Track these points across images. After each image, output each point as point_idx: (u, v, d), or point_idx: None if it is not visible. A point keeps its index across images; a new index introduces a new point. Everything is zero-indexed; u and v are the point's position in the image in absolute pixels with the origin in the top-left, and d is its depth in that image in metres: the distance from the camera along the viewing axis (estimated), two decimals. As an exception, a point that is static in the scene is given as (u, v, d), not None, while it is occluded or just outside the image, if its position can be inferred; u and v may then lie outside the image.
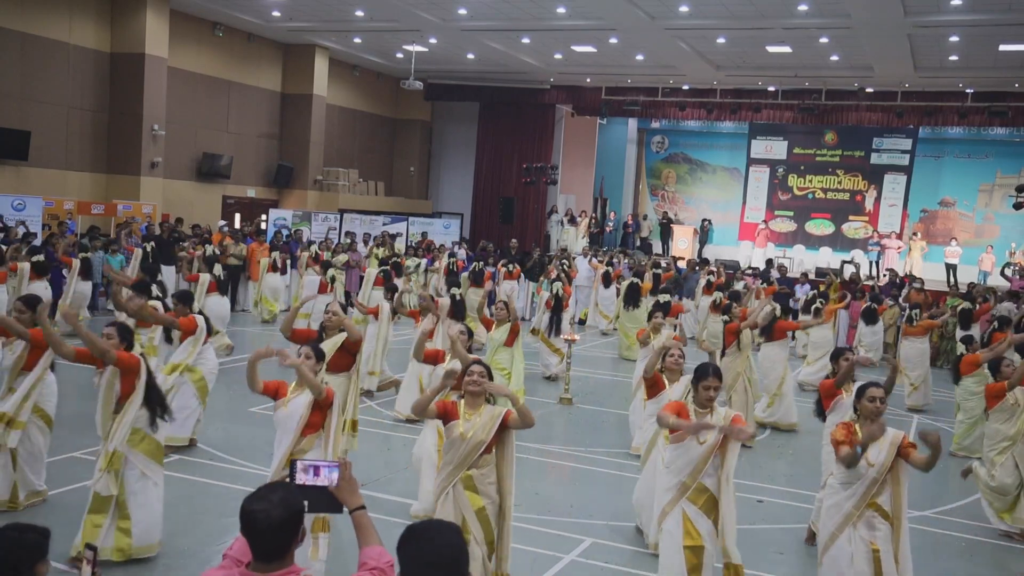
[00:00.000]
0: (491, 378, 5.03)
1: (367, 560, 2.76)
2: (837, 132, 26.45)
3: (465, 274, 16.15)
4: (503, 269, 16.97)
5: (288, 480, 2.92)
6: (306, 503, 2.75)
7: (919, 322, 12.54)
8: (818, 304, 13.69)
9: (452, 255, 18.40)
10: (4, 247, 12.69)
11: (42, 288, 11.59)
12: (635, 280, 15.08)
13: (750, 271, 19.60)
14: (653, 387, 6.72)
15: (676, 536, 5.10)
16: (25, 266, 11.80)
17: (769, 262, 20.97)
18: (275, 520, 2.56)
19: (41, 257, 12.26)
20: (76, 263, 13.20)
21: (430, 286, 18.57)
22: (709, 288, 16.23)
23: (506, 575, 4.95)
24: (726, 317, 10.71)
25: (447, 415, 4.95)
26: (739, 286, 17.50)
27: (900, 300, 17.09)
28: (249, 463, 7.89)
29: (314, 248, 17.14)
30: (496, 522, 4.91)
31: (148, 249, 14.59)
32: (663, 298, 11.84)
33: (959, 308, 14.09)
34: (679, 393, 6.30)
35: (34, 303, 6.52)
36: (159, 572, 5.64)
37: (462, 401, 5.00)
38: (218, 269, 13.31)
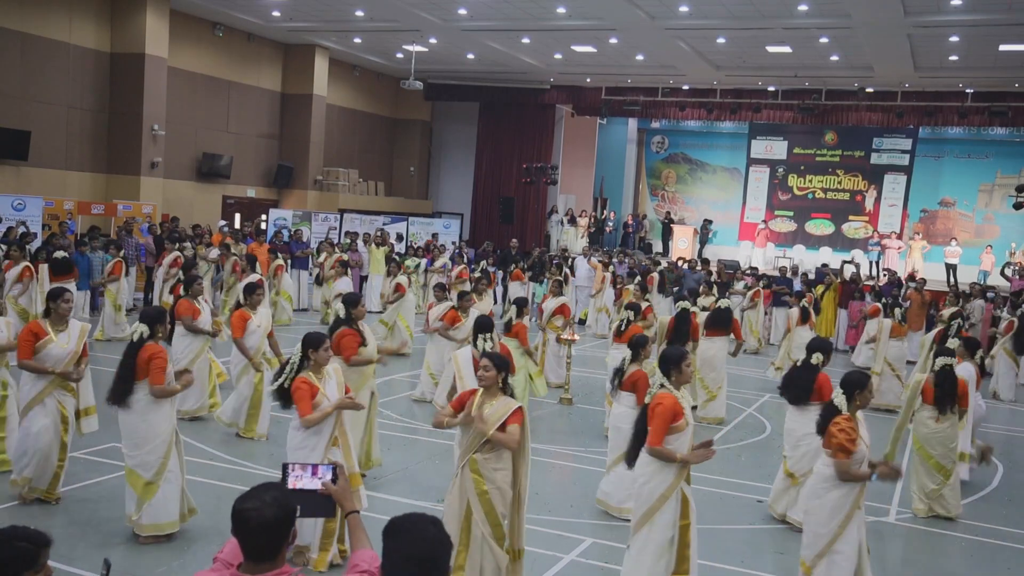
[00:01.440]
0: (500, 368, 5.16)
1: (359, 563, 2.77)
2: (837, 132, 26.45)
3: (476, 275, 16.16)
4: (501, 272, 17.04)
5: (281, 483, 2.90)
6: (299, 507, 2.74)
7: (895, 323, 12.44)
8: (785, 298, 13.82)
9: (458, 255, 18.38)
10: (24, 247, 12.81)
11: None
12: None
13: (750, 271, 19.61)
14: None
15: (675, 515, 5.25)
16: (42, 268, 11.80)
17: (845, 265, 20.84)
18: (267, 519, 2.55)
19: (63, 254, 12.26)
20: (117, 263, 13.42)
21: (430, 286, 18.58)
22: (710, 288, 16.17)
23: (521, 549, 5.14)
24: (695, 307, 10.86)
25: (464, 406, 5.18)
26: (739, 286, 17.53)
27: (900, 300, 17.07)
28: (249, 463, 7.90)
29: (334, 254, 16.94)
30: (505, 506, 5.06)
31: (182, 250, 14.58)
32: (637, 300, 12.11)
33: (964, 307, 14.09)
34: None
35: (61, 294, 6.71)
36: (155, 571, 5.64)
37: (481, 391, 5.18)
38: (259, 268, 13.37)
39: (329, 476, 2.90)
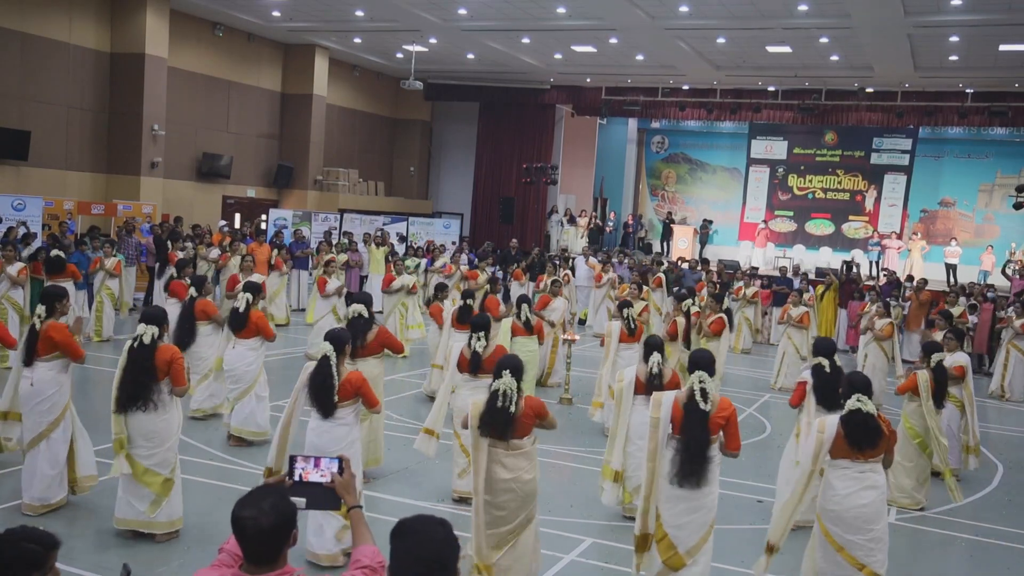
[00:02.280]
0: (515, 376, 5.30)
1: (360, 558, 2.77)
2: (837, 132, 26.45)
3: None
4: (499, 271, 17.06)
5: (287, 477, 2.90)
6: (304, 500, 2.75)
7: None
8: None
9: (455, 255, 18.36)
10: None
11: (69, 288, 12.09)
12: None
13: (749, 271, 19.62)
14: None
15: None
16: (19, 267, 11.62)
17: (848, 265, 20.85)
18: (265, 527, 2.56)
19: (58, 253, 12.29)
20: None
21: (430, 286, 18.58)
22: (715, 287, 16.15)
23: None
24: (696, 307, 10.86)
25: None
26: (738, 285, 17.53)
27: (900, 301, 17.09)
28: (249, 463, 7.90)
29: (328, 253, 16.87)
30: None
31: (184, 250, 14.76)
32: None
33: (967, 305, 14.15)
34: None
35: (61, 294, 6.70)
36: (155, 571, 5.64)
37: None
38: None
39: (335, 468, 2.90)
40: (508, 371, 5.21)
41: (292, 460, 2.92)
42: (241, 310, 8.47)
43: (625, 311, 9.84)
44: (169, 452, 6.02)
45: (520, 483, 5.15)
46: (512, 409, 5.17)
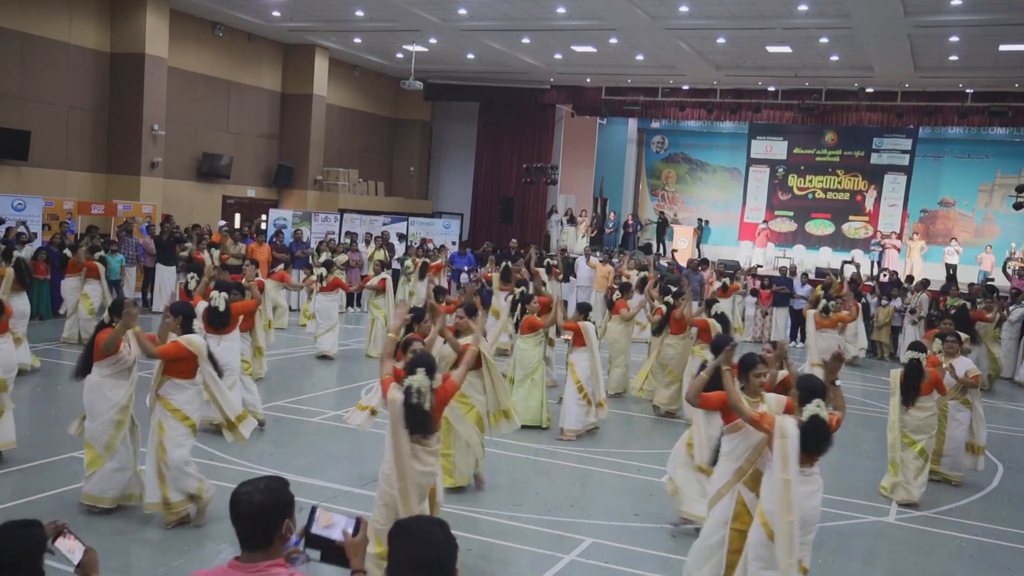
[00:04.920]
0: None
1: None
2: (837, 132, 26.45)
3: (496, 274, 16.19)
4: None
5: (304, 527, 2.80)
6: (319, 552, 2.72)
7: (834, 315, 12.44)
8: (828, 305, 13.05)
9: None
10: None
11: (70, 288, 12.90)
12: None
13: (749, 271, 19.60)
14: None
15: (727, 514, 5.21)
16: (9, 271, 11.11)
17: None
18: (255, 505, 2.58)
19: (69, 252, 12.40)
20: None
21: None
22: (724, 291, 15.90)
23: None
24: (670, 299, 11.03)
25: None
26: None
27: (903, 302, 17.11)
28: (250, 463, 7.90)
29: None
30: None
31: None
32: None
33: (957, 305, 14.11)
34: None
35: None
36: (155, 571, 5.64)
37: None
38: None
39: (351, 529, 2.82)
40: (423, 368, 5.18)
41: (313, 510, 2.85)
42: (222, 309, 8.52)
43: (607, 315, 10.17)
44: None
45: None
46: (426, 406, 5.17)
